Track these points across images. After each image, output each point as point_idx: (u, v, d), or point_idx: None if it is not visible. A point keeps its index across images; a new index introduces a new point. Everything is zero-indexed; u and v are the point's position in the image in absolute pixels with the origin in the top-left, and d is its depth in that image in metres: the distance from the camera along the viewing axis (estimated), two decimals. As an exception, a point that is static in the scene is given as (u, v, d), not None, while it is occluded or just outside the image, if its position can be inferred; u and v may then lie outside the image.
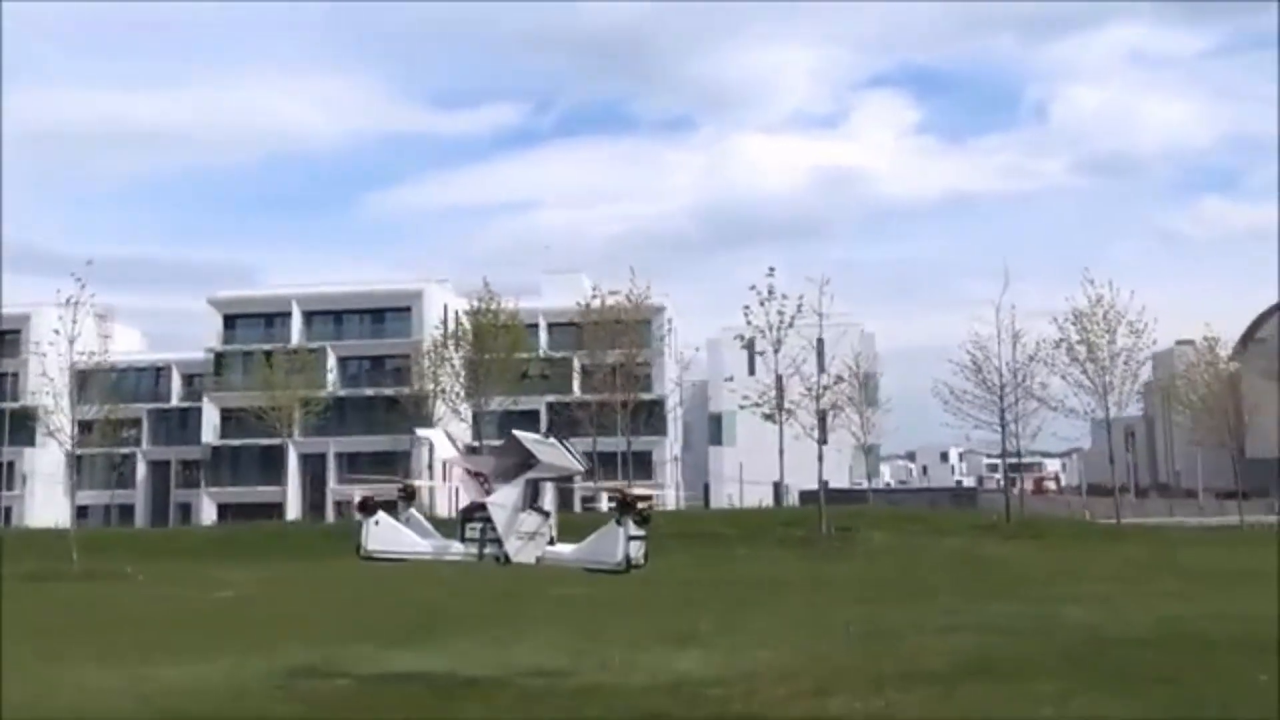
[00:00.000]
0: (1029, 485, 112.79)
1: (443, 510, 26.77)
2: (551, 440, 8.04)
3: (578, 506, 42.95)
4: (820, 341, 30.97)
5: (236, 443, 61.68)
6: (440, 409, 40.46)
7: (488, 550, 7.93)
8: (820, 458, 29.16)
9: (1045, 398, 29.32)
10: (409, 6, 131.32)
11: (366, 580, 20.12)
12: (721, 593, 14.49)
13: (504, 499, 7.83)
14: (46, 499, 56.82)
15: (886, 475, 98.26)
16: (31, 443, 56.82)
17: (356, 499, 8.67)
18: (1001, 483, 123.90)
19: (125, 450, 61.96)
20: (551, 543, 7.99)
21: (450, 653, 10.28)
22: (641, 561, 7.85)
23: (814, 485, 43.49)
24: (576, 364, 56.02)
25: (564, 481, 8.46)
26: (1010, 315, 29.20)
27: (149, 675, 9.40)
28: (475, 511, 7.99)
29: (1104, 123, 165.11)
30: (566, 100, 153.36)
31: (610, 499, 8.33)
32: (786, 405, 31.01)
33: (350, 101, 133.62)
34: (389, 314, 63.62)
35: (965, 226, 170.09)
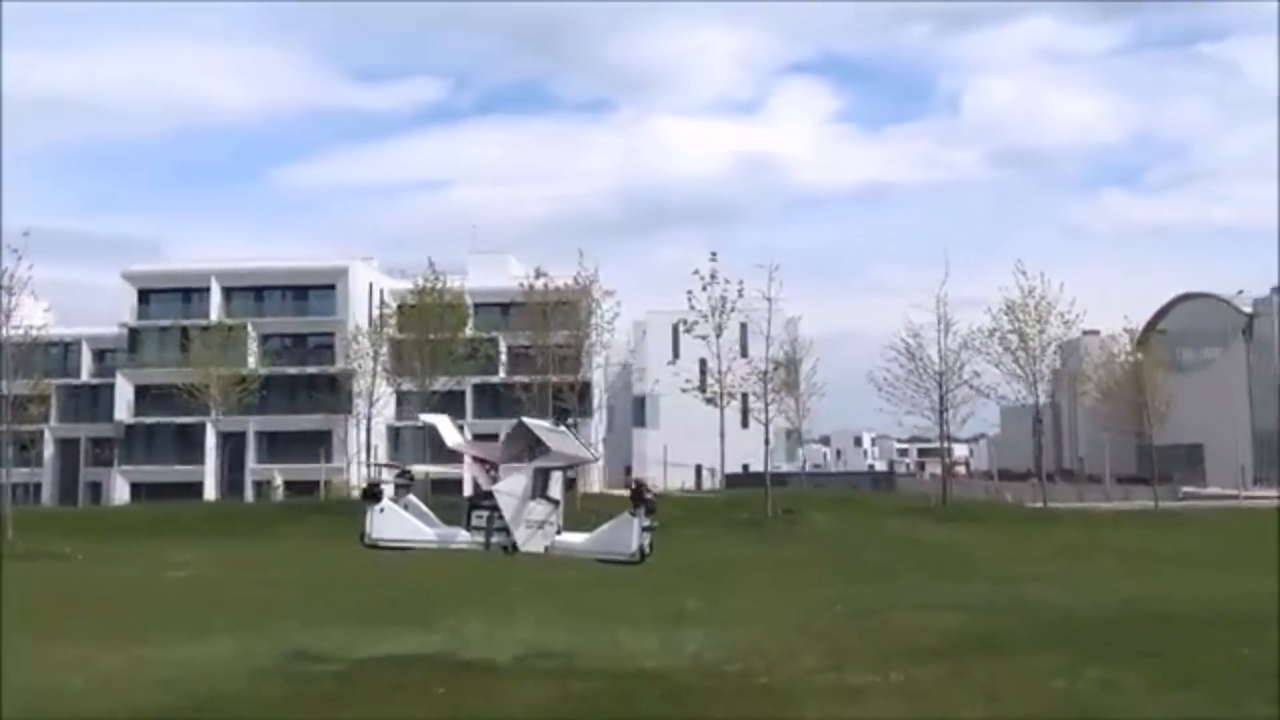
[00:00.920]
0: (939, 470, 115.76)
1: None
2: (561, 428, 8.03)
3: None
4: (765, 325, 31.29)
5: (151, 420, 60.00)
6: (381, 388, 39.86)
7: (495, 539, 7.87)
8: (767, 440, 29.73)
9: (979, 385, 30.29)
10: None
11: (319, 560, 19.97)
12: (688, 574, 14.71)
13: (512, 487, 7.78)
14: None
15: (803, 459, 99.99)
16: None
17: (363, 485, 8.54)
18: (912, 467, 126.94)
19: (31, 428, 59.92)
20: (558, 532, 7.94)
21: (449, 634, 10.30)
22: (648, 551, 7.93)
23: (737, 469, 44.21)
24: (503, 345, 55.89)
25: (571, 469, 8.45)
26: (944, 304, 30.01)
27: (152, 656, 9.28)
28: (482, 499, 7.92)
29: (1014, 116, 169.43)
30: (487, 78, 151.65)
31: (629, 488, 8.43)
32: (727, 389, 31.45)
33: (269, 73, 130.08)
34: (313, 291, 62.40)
35: (881, 214, 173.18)
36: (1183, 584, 13.88)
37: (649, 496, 8.02)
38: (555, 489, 7.89)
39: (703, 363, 64.24)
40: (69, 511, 43.46)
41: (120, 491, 59.49)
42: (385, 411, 52.41)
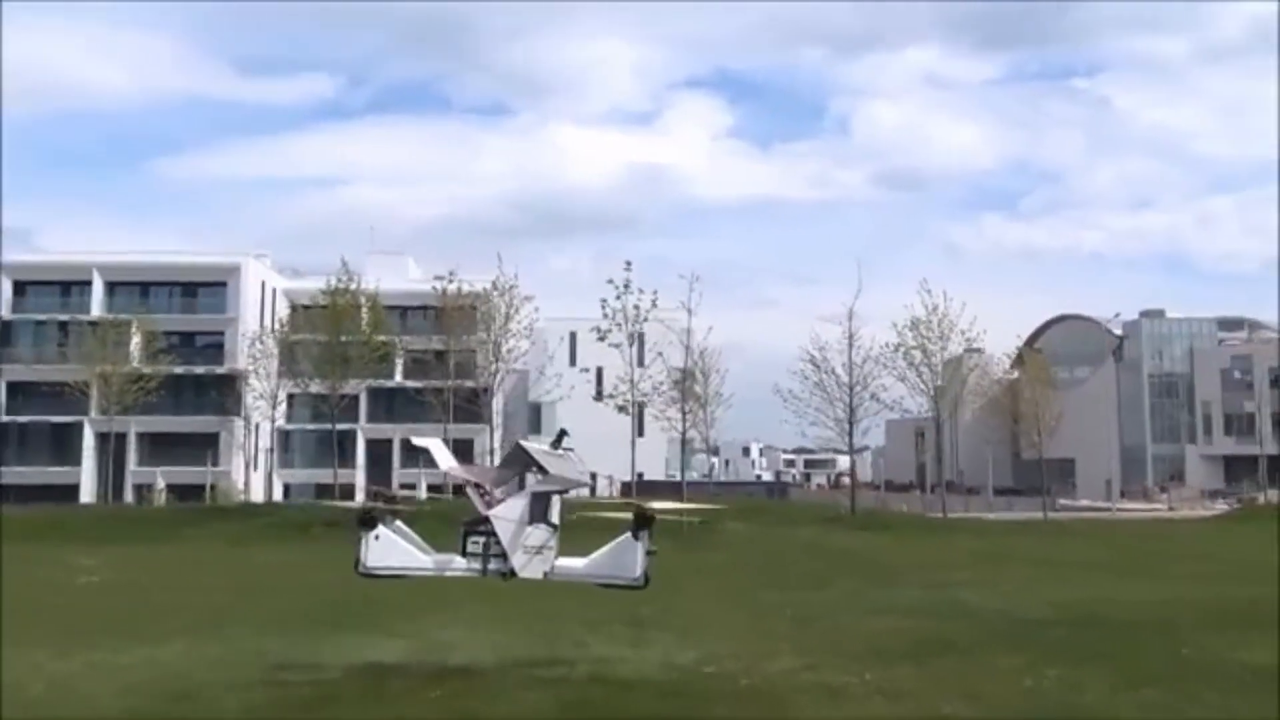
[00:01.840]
0: (824, 481, 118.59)
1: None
2: (560, 451, 7.94)
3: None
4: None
5: (25, 419, 57.25)
6: (283, 390, 38.81)
7: (491, 565, 7.75)
8: (684, 448, 30.06)
9: (885, 399, 31.25)
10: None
11: (234, 566, 19.48)
12: (623, 579, 14.82)
13: (509, 512, 7.65)
14: None
15: (712, 467, 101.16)
16: None
17: (357, 508, 8.24)
18: (798, 477, 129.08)
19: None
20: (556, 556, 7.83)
21: (417, 638, 10.18)
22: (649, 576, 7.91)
23: (629, 476, 44.53)
24: (400, 349, 55.13)
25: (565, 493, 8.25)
26: (851, 319, 30.91)
27: (106, 661, 8.94)
28: (478, 524, 7.77)
29: (900, 139, 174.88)
30: (381, 76, 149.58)
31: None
32: (625, 398, 31.68)
33: (149, 60, 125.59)
34: (202, 288, 60.47)
35: (770, 229, 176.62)
36: (1099, 590, 14.60)
37: (650, 519, 7.97)
38: (554, 513, 7.78)
39: (599, 371, 64.42)
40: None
41: (-13, 493, 56.61)
42: (274, 414, 51.09)
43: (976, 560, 19.51)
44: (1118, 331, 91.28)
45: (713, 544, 22.84)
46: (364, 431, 63.36)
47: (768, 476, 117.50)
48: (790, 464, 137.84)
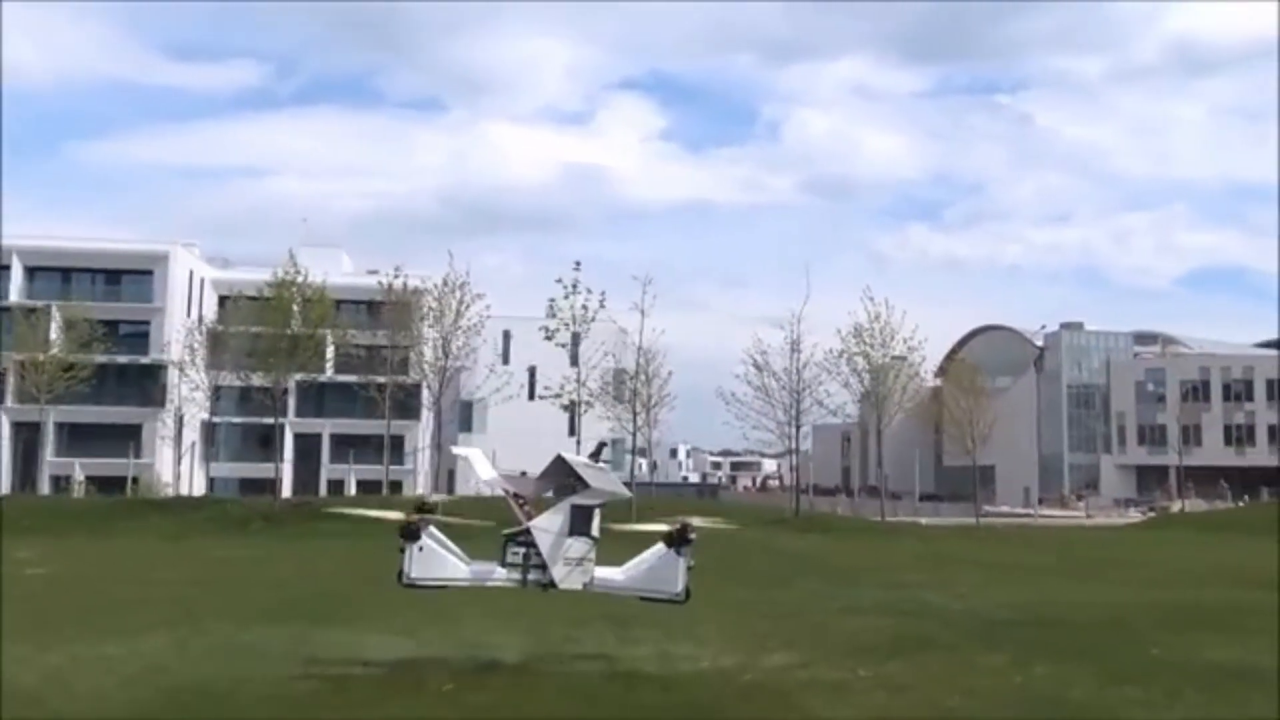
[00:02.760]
0: (750, 483, 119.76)
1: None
2: (600, 464, 8.12)
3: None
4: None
5: (-66, 407, 55.24)
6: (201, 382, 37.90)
7: (531, 576, 7.85)
8: (634, 449, 30.11)
9: (828, 405, 31.80)
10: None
11: (185, 559, 19.10)
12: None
13: (549, 523, 7.77)
14: None
15: (654, 466, 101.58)
16: None
17: (403, 520, 8.06)
18: (724, 479, 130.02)
19: None
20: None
21: (405, 634, 10.13)
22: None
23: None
24: (330, 341, 54.36)
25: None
26: (797, 323, 31.38)
27: (91, 654, 8.76)
28: (518, 535, 7.87)
29: (829, 147, 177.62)
30: (312, 66, 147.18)
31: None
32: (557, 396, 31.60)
33: (70, 40, 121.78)
34: (126, 276, 58.91)
35: (700, 232, 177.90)
36: (1051, 592, 15.09)
37: (692, 536, 8.14)
38: (594, 526, 7.90)
39: (532, 370, 64.15)
40: None
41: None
42: (197, 408, 50.07)
43: (924, 563, 19.99)
44: (1039, 343, 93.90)
45: (661, 543, 22.98)
46: (292, 425, 62.34)
47: (694, 478, 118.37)
48: (717, 466, 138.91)
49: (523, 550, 7.78)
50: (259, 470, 56.65)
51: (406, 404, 60.20)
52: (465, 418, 73.43)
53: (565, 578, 7.77)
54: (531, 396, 55.55)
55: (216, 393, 50.47)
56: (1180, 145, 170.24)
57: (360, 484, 59.70)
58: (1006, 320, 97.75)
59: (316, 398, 62.69)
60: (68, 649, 8.99)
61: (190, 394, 42.80)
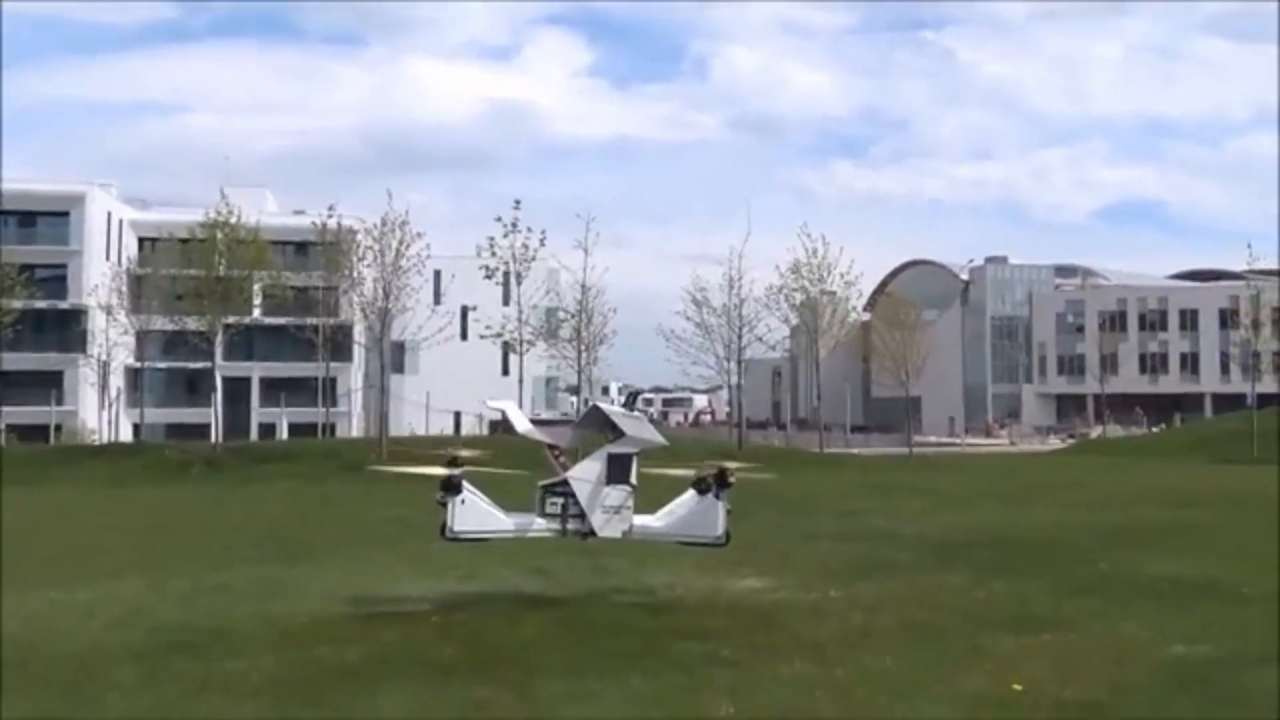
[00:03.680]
0: (681, 418, 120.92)
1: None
2: (636, 413, 8.24)
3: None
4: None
5: None
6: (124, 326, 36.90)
7: (570, 525, 7.93)
8: (579, 389, 30.21)
9: (768, 340, 32.25)
10: None
11: (132, 506, 18.86)
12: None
13: (586, 473, 7.86)
14: None
15: (582, 404, 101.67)
16: None
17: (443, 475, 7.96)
18: (656, 415, 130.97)
19: None
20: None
21: (380, 574, 10.23)
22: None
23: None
24: (261, 282, 53.38)
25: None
26: (738, 259, 31.69)
27: (65, 599, 8.74)
28: (556, 485, 7.93)
29: (756, 84, 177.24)
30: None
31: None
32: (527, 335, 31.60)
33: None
34: (42, 218, 56.87)
35: (627, 169, 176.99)
36: (995, 517, 15.65)
37: (732, 480, 8.26)
38: (632, 474, 7.96)
39: (464, 310, 63.48)
40: None
41: None
42: (123, 353, 48.84)
43: (868, 491, 20.54)
44: (965, 277, 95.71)
45: (612, 479, 23.24)
46: (221, 369, 61.13)
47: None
48: (649, 403, 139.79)
49: (561, 500, 7.85)
50: (187, 415, 55.70)
51: (340, 346, 59.63)
52: (397, 360, 72.89)
53: (604, 525, 7.86)
54: (464, 337, 55.13)
55: (140, 338, 49.34)
56: (1098, 82, 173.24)
57: (292, 427, 59.01)
58: (930, 255, 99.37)
59: (245, 341, 61.43)
60: (43, 595, 8.94)
61: (117, 339, 41.65)
